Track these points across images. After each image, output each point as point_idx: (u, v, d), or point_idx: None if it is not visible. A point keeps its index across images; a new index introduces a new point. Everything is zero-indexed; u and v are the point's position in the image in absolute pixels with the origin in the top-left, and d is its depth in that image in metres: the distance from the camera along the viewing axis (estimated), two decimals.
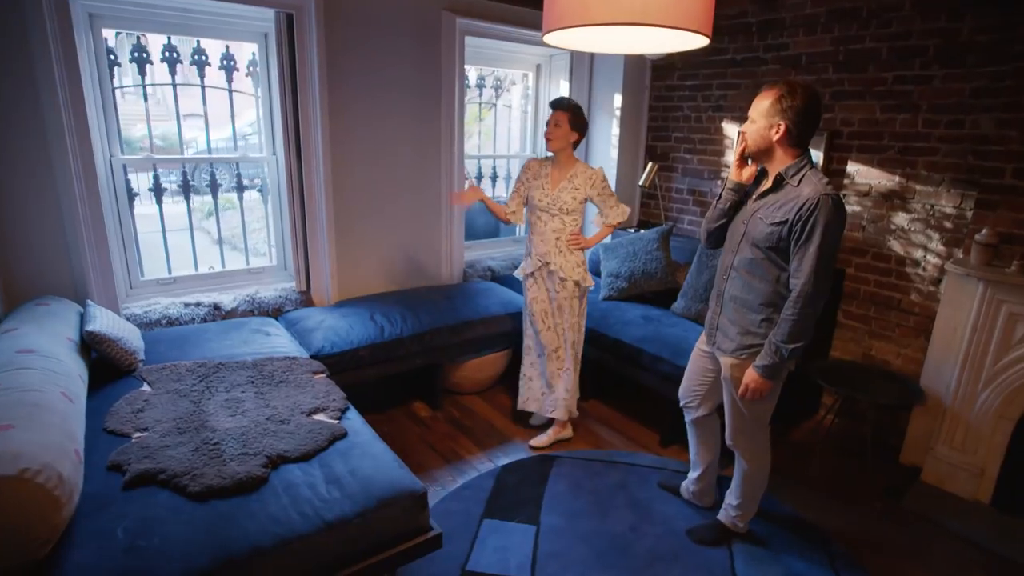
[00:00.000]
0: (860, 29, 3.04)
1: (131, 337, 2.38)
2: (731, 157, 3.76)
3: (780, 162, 1.88)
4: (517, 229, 4.46)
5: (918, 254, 2.99)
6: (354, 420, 2.06)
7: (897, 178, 3.01)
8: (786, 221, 1.81)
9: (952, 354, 2.72)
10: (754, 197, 1.98)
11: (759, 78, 3.54)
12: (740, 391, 1.97)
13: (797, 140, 1.84)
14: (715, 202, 2.09)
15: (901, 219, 3.03)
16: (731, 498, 2.31)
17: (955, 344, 2.71)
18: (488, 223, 4.44)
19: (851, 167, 3.17)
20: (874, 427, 2.83)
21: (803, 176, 1.84)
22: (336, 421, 2.01)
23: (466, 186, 3.47)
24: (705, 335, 2.20)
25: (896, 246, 3.06)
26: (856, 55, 3.08)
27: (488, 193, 4.30)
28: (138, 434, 1.84)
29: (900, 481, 2.83)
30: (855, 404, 3.22)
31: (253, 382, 2.22)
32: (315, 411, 2.05)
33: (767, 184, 1.93)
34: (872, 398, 2.70)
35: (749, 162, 2.00)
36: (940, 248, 2.90)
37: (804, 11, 3.25)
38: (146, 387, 2.17)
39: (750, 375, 1.94)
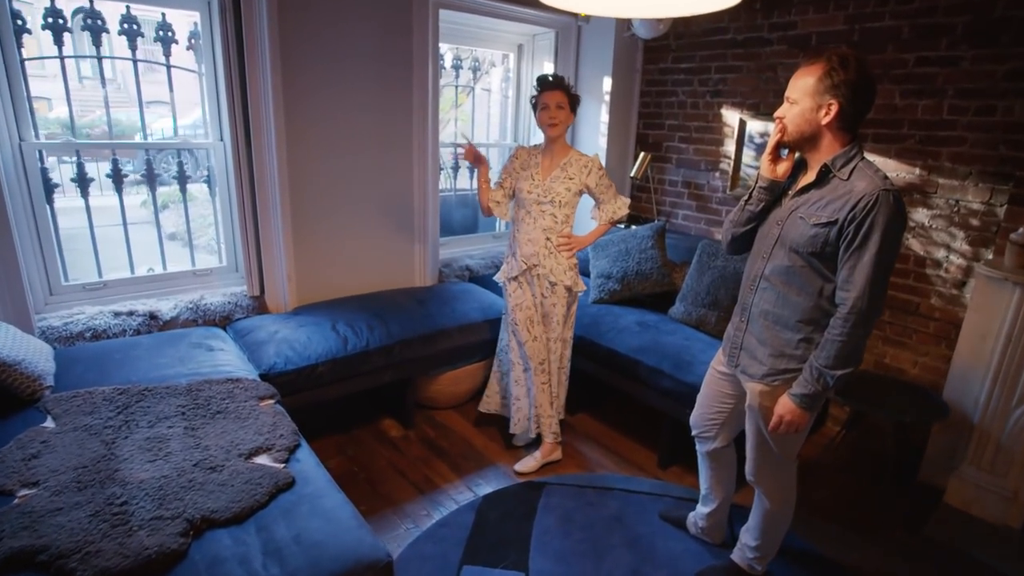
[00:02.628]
0: (878, 5, 2.75)
1: (36, 359, 1.97)
2: (730, 146, 3.46)
3: (827, 151, 1.56)
4: (497, 224, 4.10)
5: (940, 254, 2.72)
6: (305, 461, 1.70)
7: (918, 170, 2.73)
8: (835, 221, 1.49)
9: (981, 365, 2.46)
10: (791, 193, 1.66)
11: (763, 60, 3.23)
12: (772, 423, 1.65)
13: (851, 123, 1.52)
14: (743, 203, 1.76)
15: (921, 215, 2.75)
16: (748, 538, 2.00)
17: (984, 354, 2.45)
18: (466, 217, 4.07)
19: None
20: (894, 446, 2.57)
21: (854, 168, 1.52)
22: (282, 465, 1.65)
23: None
24: (725, 355, 1.86)
25: (915, 245, 2.79)
26: (873, 34, 2.78)
27: (461, 185, 3.96)
28: (24, 491, 1.45)
29: (920, 504, 2.57)
30: (866, 416, 2.96)
31: (184, 413, 1.84)
32: (256, 452, 1.68)
33: (809, 177, 1.61)
34: (895, 415, 2.43)
35: (783, 154, 1.68)
36: (965, 248, 2.64)
37: None
38: (49, 422, 1.78)
39: (785, 405, 1.62)
